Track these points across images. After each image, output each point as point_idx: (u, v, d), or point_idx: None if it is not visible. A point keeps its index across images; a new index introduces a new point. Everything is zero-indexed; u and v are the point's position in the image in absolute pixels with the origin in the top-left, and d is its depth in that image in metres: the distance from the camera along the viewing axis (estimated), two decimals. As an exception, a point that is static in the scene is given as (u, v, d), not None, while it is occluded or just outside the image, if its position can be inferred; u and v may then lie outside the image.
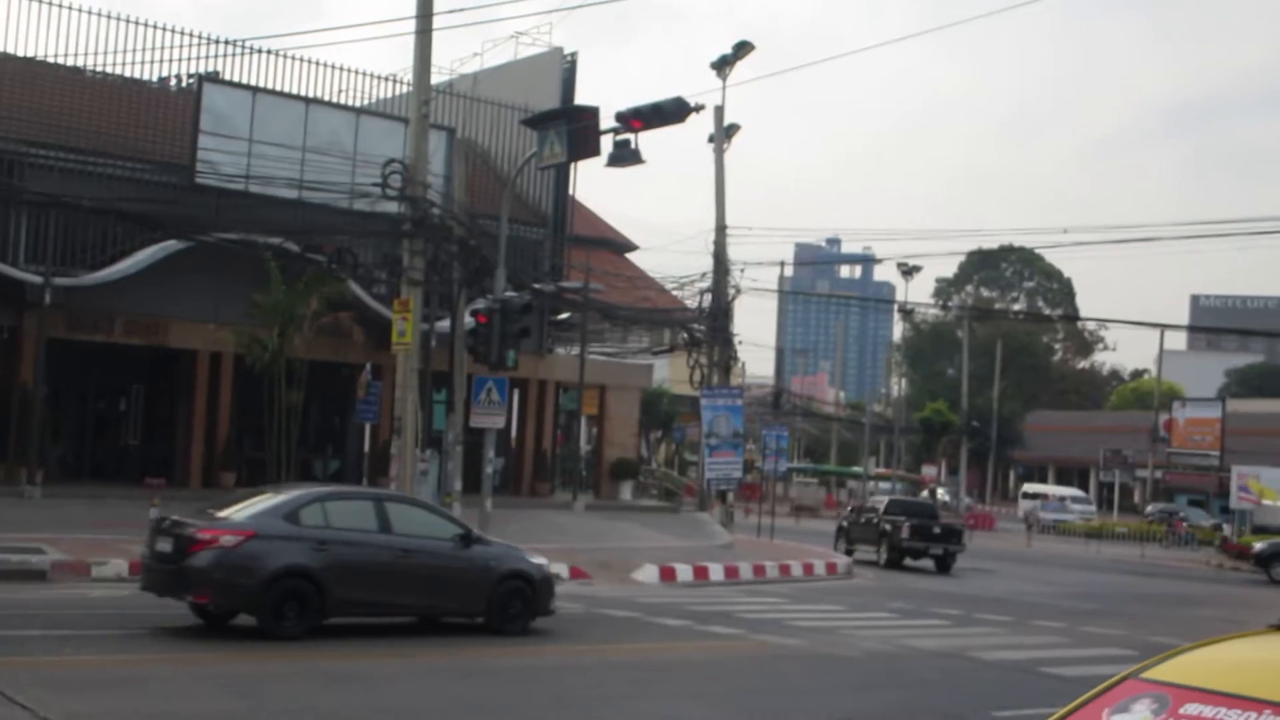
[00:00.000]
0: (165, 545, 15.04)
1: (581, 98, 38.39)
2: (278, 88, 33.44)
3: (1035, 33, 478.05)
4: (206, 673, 12.91)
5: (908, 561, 34.84)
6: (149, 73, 34.03)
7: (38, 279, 28.84)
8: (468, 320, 25.87)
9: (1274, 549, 41.18)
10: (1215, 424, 73.04)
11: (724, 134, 38.30)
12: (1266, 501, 58.91)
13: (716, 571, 27.23)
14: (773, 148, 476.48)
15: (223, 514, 15.35)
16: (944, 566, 34.78)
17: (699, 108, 23.61)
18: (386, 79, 37.75)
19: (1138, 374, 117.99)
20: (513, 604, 16.57)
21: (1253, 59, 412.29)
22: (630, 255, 50.91)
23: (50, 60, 31.33)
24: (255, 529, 14.87)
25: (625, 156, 22.95)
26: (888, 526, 35.22)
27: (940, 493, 76.43)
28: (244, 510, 15.44)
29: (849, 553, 35.76)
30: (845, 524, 38.77)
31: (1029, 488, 75.51)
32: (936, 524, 36.02)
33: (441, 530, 16.61)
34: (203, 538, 14.68)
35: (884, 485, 70.49)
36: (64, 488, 29.55)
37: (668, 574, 26.03)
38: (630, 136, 22.88)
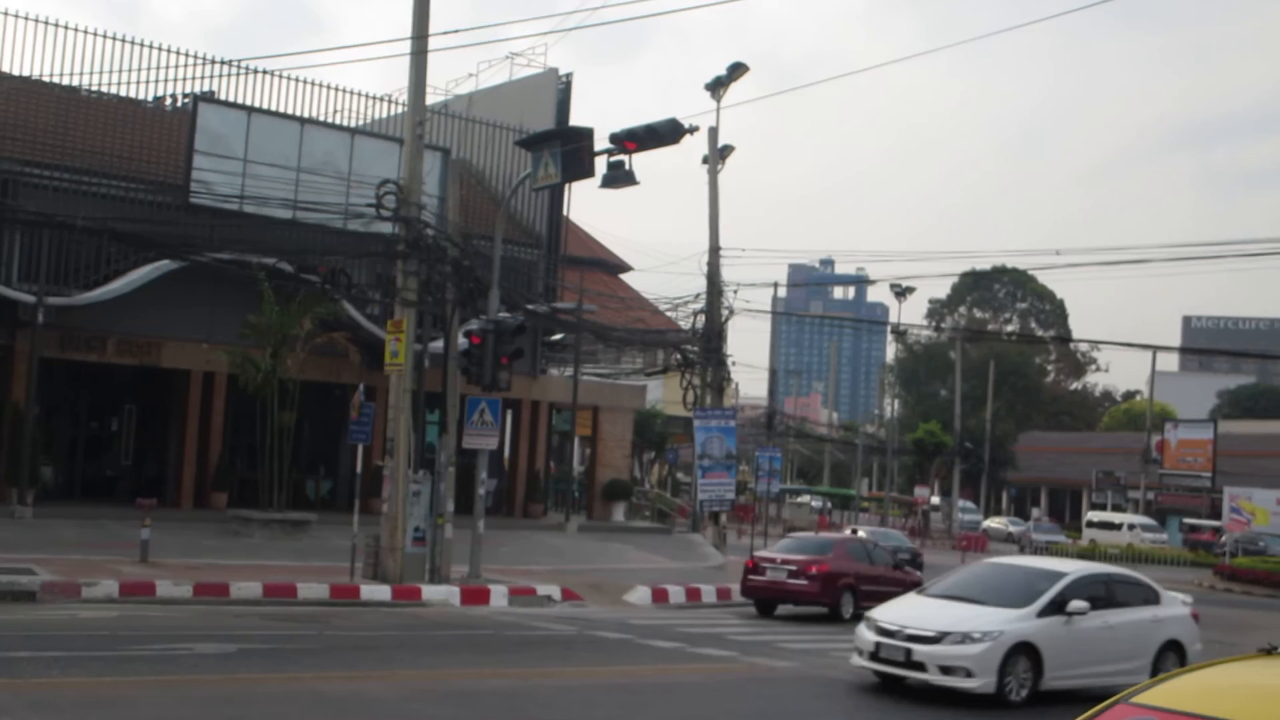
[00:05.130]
0: None
1: (580, 117, 38.68)
2: (273, 107, 33.45)
3: (1035, 56, 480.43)
4: (196, 694, 12.87)
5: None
6: (144, 92, 34.04)
7: (30, 298, 28.83)
8: (461, 341, 25.88)
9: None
10: (1207, 445, 73.17)
11: (718, 155, 38.40)
12: (1258, 525, 58.98)
13: (709, 593, 27.21)
14: (770, 169, 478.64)
15: None
16: None
17: (693, 129, 23.61)
18: (382, 99, 37.80)
19: (1130, 395, 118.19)
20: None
21: (1253, 80, 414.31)
22: (624, 276, 50.98)
23: (46, 79, 31.34)
24: None
25: (619, 178, 22.96)
26: None
27: (934, 501, 76.27)
28: None
29: None
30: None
31: (1093, 516, 72.63)
32: None
33: None
34: None
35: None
36: (55, 508, 29.48)
37: (660, 596, 25.99)
38: (624, 158, 22.89)
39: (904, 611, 16.55)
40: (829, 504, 78.42)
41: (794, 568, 24.84)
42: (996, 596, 16.30)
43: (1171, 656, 16.93)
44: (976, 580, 17.34)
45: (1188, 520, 66.91)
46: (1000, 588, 16.61)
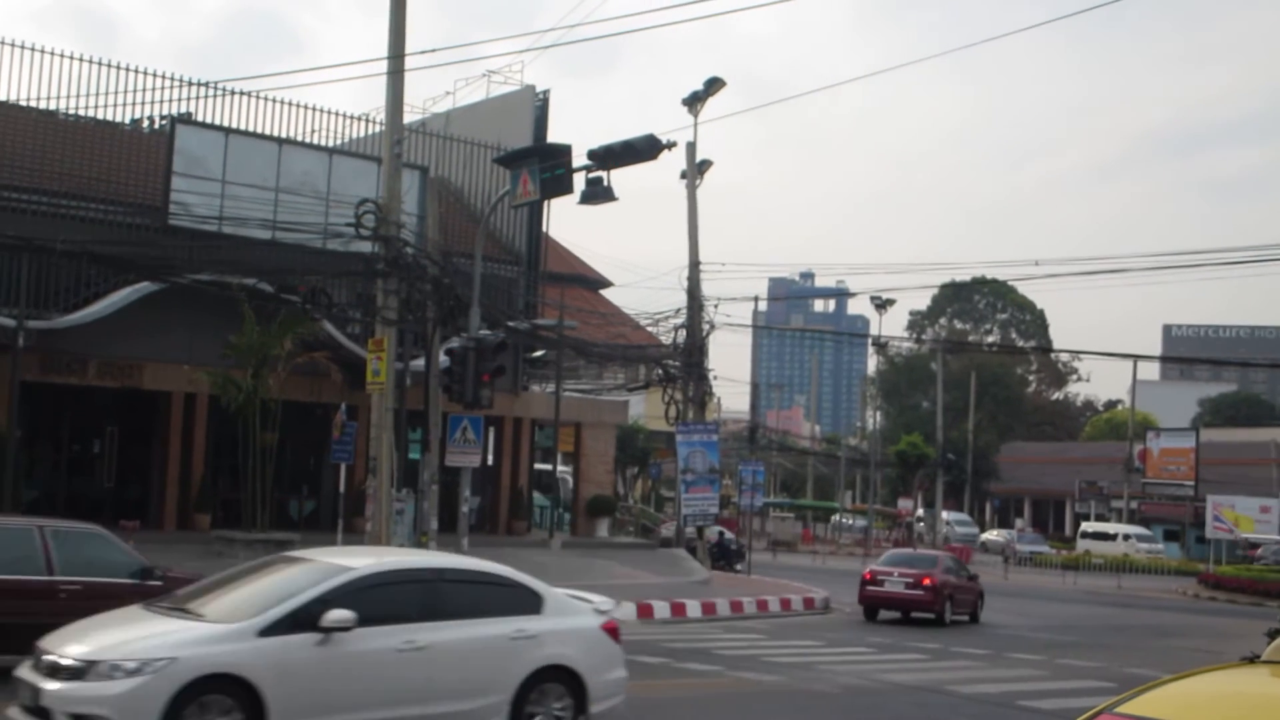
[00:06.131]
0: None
1: (558, 132, 38.75)
2: (251, 128, 33.41)
3: (1020, 68, 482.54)
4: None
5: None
6: (122, 115, 33.97)
7: (11, 322, 28.72)
8: (442, 359, 25.87)
9: None
10: (1189, 454, 73.43)
11: (696, 170, 38.51)
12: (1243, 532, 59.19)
13: (694, 608, 27.19)
14: (750, 183, 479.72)
15: None
16: None
17: (671, 145, 23.66)
18: (359, 118, 37.78)
19: (1111, 404, 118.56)
20: None
21: (1240, 87, 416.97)
22: (604, 292, 51.01)
23: (23, 103, 31.28)
24: None
25: (598, 194, 23.02)
26: None
27: (920, 513, 76.52)
28: None
29: None
30: None
31: (1088, 526, 72.45)
32: None
33: None
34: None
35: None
36: (37, 532, 29.27)
37: (645, 611, 25.96)
38: (603, 174, 22.94)
39: (92, 628, 11.05)
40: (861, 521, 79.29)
41: (910, 579, 28.99)
42: (249, 607, 10.90)
43: (556, 689, 11.98)
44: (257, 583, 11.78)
45: (1245, 536, 66.09)
46: (267, 594, 11.15)
